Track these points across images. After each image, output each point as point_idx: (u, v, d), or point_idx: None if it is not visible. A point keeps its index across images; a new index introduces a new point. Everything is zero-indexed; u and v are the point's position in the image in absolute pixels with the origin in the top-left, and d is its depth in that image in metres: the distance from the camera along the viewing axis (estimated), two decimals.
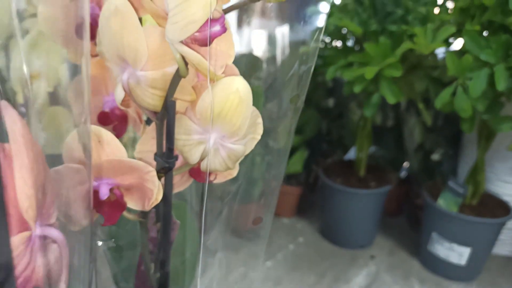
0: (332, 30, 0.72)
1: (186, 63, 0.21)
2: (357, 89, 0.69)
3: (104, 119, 0.28)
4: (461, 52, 0.67)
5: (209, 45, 0.20)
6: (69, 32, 0.26)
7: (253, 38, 0.53)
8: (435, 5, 0.71)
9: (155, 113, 0.24)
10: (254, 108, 0.25)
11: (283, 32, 0.52)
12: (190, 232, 0.40)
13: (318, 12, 0.44)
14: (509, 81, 0.60)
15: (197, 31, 0.20)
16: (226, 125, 0.23)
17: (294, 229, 0.90)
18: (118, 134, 0.28)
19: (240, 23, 0.44)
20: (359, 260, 0.81)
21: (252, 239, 0.49)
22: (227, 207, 0.43)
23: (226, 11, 0.22)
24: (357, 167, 0.87)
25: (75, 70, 0.31)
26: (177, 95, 0.23)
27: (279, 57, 0.52)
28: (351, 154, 0.96)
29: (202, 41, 0.20)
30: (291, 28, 0.49)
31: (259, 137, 0.26)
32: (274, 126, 0.43)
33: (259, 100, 0.54)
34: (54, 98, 0.36)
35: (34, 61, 0.34)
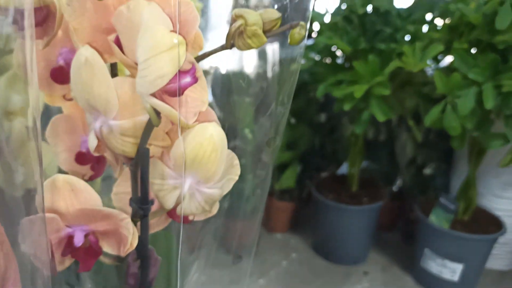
0: (322, 48, 0.73)
1: (158, 113, 0.21)
2: (347, 107, 0.69)
3: (81, 159, 0.28)
4: (450, 69, 0.67)
5: (179, 96, 0.20)
6: (44, 76, 0.26)
7: (243, 55, 0.53)
8: (424, 23, 0.71)
9: (129, 159, 0.23)
10: (230, 151, 0.25)
11: (273, 48, 0.52)
12: (176, 263, 0.39)
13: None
14: (497, 99, 0.60)
15: (167, 84, 0.20)
16: (201, 171, 0.23)
17: (287, 245, 0.90)
18: (96, 174, 0.28)
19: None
20: (353, 276, 0.81)
21: (240, 255, 0.49)
22: (216, 223, 0.42)
23: (199, 59, 0.22)
24: (350, 182, 0.87)
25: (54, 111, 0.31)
26: (151, 141, 0.23)
27: (269, 73, 0.52)
28: (344, 168, 0.96)
29: (172, 92, 0.20)
30: (281, 45, 0.49)
31: (236, 178, 0.26)
32: (267, 140, 0.42)
33: (249, 117, 0.54)
34: (33, 133, 0.36)
35: (13, 97, 0.34)
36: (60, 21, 0.23)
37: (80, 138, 0.28)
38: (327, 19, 0.73)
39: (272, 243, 0.90)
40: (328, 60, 0.76)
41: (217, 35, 0.27)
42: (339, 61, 0.76)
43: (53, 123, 0.28)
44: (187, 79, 0.20)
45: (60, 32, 0.24)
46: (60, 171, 0.32)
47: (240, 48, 0.21)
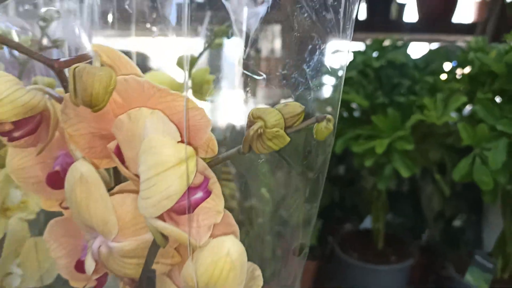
0: None
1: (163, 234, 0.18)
2: (368, 163, 0.65)
3: (82, 267, 0.24)
4: (473, 119, 0.64)
5: (189, 213, 0.17)
6: (41, 179, 0.24)
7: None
8: (442, 72, 0.69)
9: (133, 280, 0.20)
10: (250, 263, 0.21)
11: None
12: None
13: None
14: None
15: (174, 204, 0.17)
16: None
17: None
18: (99, 284, 0.25)
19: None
20: None
21: None
22: None
23: (212, 164, 0.19)
24: (375, 238, 0.81)
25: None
26: (158, 258, 0.20)
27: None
28: (367, 222, 0.90)
29: (180, 211, 0.17)
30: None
31: None
32: (285, 195, 0.39)
33: (265, 173, 0.50)
34: (32, 229, 0.33)
35: (12, 192, 0.31)
36: (55, 126, 0.20)
37: (81, 243, 0.25)
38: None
39: None
40: (345, 114, 0.73)
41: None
42: (355, 113, 0.73)
43: (51, 226, 0.25)
44: (199, 194, 0.17)
45: (57, 133, 0.22)
46: (59, 278, 0.28)
47: (259, 151, 0.19)
